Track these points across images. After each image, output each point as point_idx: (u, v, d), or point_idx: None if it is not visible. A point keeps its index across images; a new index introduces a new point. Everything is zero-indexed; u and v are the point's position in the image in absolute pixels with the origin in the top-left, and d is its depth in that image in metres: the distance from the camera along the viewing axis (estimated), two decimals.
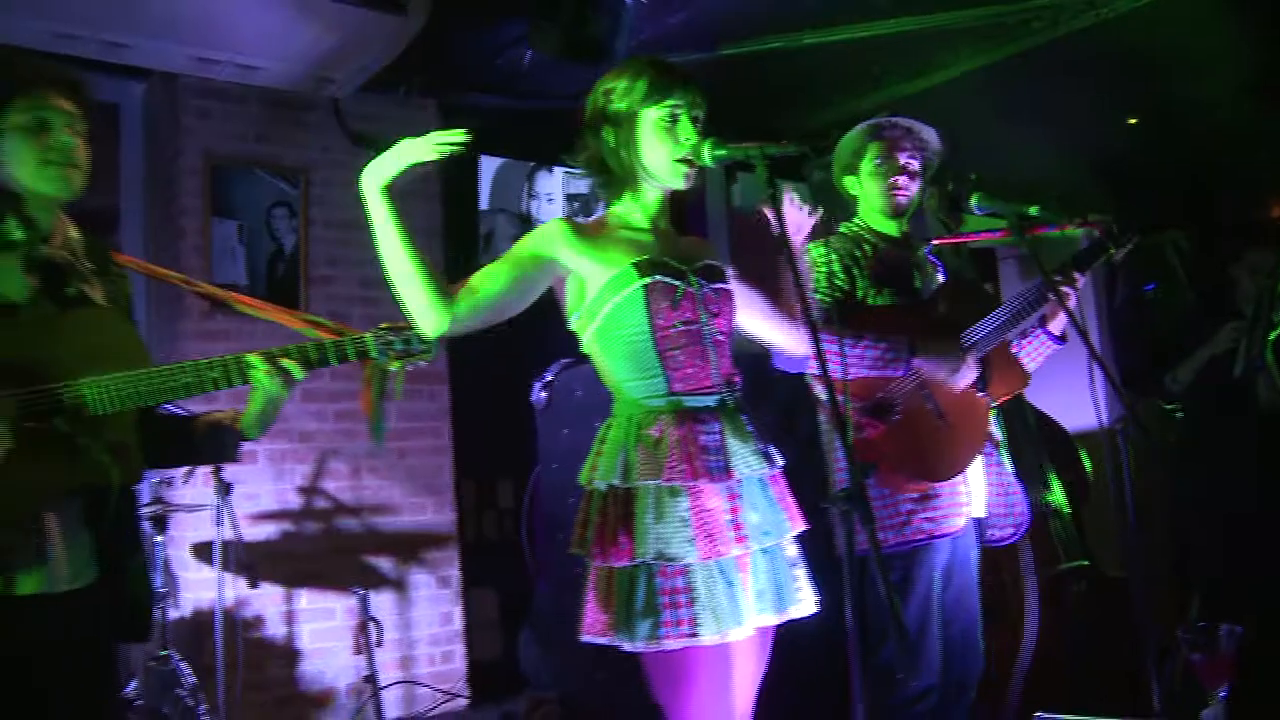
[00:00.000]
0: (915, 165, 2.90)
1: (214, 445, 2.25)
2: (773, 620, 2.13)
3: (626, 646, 2.00)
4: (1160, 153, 5.65)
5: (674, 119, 2.15)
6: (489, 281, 2.09)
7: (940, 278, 2.99)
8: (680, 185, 2.19)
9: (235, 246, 4.58)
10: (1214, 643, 1.96)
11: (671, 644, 1.98)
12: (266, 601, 4.56)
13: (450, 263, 5.12)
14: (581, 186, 5.63)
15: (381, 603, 4.72)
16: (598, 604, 2.06)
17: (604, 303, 2.12)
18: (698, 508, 2.04)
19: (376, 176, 2.06)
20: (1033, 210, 2.71)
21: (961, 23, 4.62)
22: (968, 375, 2.76)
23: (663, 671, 2.04)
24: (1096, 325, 5.65)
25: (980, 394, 2.82)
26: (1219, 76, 5.01)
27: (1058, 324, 2.93)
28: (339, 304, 4.81)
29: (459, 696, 4.96)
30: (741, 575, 2.07)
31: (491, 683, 5.03)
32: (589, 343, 2.19)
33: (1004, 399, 2.91)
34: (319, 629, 4.68)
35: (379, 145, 2.25)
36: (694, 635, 1.98)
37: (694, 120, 2.16)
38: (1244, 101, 5.13)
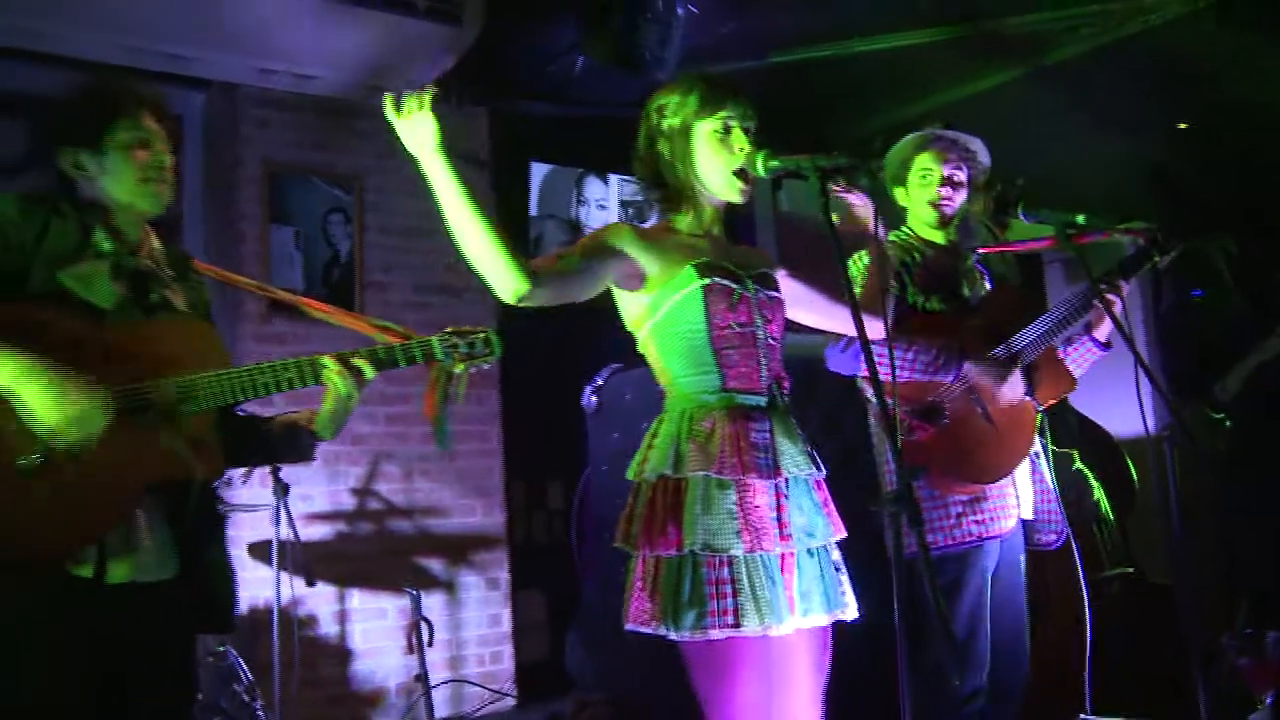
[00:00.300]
0: (961, 176, 2.93)
1: (290, 445, 2.34)
2: (820, 622, 2.18)
3: (672, 636, 2.04)
4: (1209, 158, 5.61)
5: (727, 130, 2.20)
6: (564, 262, 2.15)
7: (987, 285, 3.02)
8: (736, 199, 2.24)
9: (292, 252, 4.70)
10: (1262, 649, 1.98)
11: (716, 634, 2.01)
12: (320, 601, 4.66)
13: None
14: (635, 193, 5.69)
15: (431, 604, 4.80)
16: (643, 594, 2.10)
17: (664, 301, 2.18)
18: (745, 502, 2.09)
19: (423, 143, 2.02)
20: (1079, 219, 2.73)
21: (1010, 29, 4.65)
22: (1016, 387, 2.79)
23: (705, 662, 2.08)
24: (1144, 331, 5.63)
25: (1027, 398, 2.84)
26: (1268, 81, 4.99)
27: (1103, 330, 2.95)
28: (393, 309, 4.90)
29: (507, 696, 5.03)
30: (785, 575, 2.12)
31: (539, 683, 5.10)
32: (645, 339, 2.24)
33: (1050, 403, 2.93)
34: (370, 629, 4.78)
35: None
36: (737, 626, 2.02)
37: (746, 131, 2.21)
38: None
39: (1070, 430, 3.78)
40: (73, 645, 1.95)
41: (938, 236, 2.97)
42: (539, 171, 5.52)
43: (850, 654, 2.39)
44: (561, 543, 5.58)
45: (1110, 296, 2.72)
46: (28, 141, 4.54)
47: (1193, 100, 5.19)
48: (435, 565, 4.96)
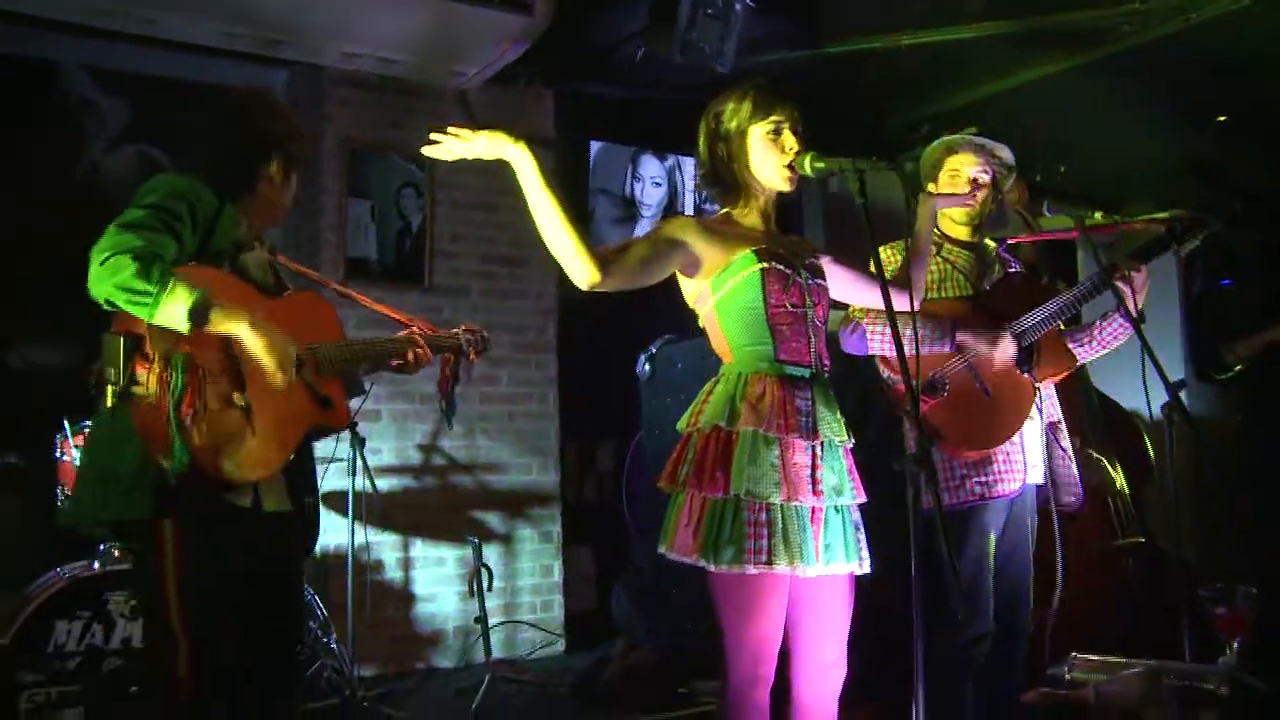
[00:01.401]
0: (986, 178, 3.16)
1: (351, 383, 2.82)
2: (842, 571, 2.46)
3: (711, 568, 2.33)
4: (1247, 152, 5.77)
5: (778, 132, 2.49)
6: (633, 250, 2.42)
7: (1012, 269, 3.25)
8: (787, 188, 2.53)
9: (368, 224, 5.04)
10: (1233, 600, 2.24)
11: (751, 569, 2.31)
12: (385, 548, 5.02)
13: None
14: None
15: (488, 554, 5.12)
16: (688, 529, 2.38)
17: (726, 280, 2.46)
18: (785, 458, 2.37)
19: (499, 150, 2.33)
20: (1097, 215, 2.97)
21: (1053, 27, 4.84)
22: (1008, 349, 3.02)
23: (735, 594, 2.37)
24: (1182, 313, 5.76)
25: (1025, 374, 3.07)
26: None
27: (1132, 306, 3.15)
28: (461, 277, 5.25)
29: (557, 640, 5.38)
30: (814, 526, 2.41)
31: (585, 632, 5.46)
32: (708, 314, 2.53)
33: (1051, 380, 3.15)
34: (431, 574, 5.14)
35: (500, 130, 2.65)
36: (770, 564, 2.32)
37: (795, 132, 2.50)
38: None
39: (1092, 408, 4.01)
40: (234, 565, 2.31)
41: (962, 232, 3.21)
42: (594, 149, 5.83)
43: (878, 607, 2.67)
44: (610, 503, 5.92)
45: (1120, 284, 2.94)
46: (130, 116, 4.94)
47: (1232, 97, 5.35)
48: (493, 518, 5.31)
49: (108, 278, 2.12)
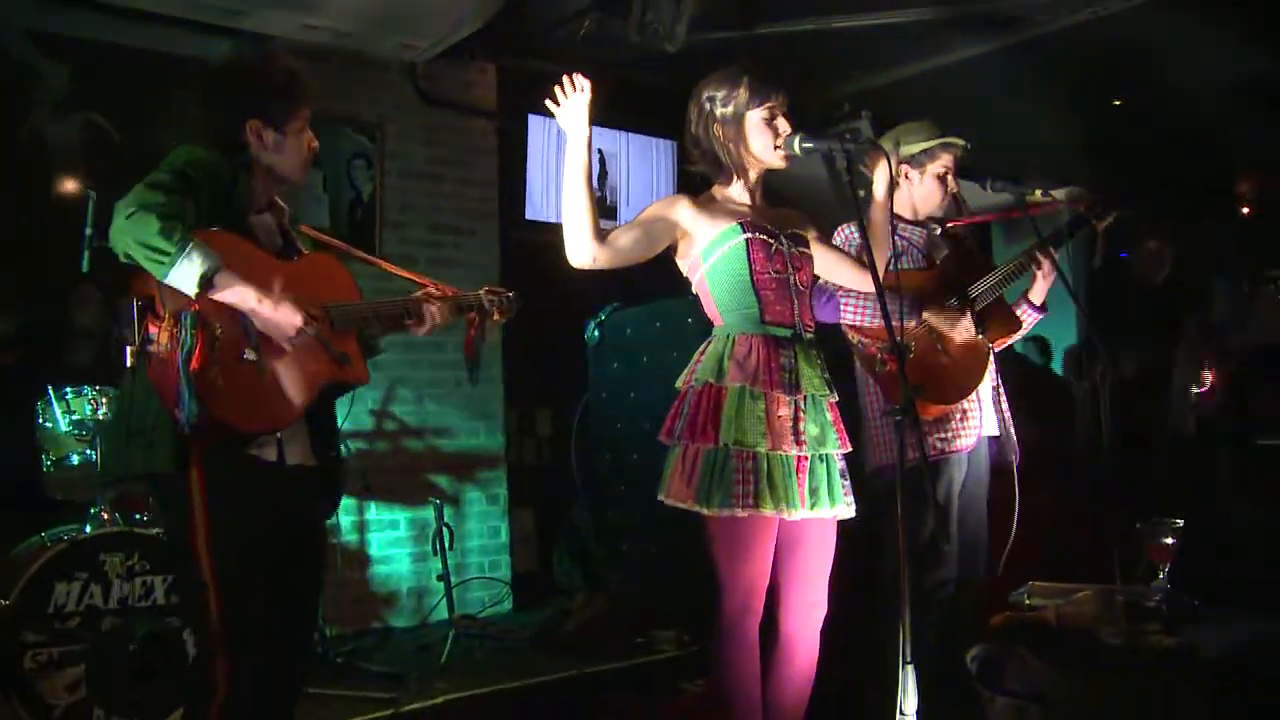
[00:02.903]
0: (951, 180, 3.46)
1: (366, 347, 2.78)
2: (826, 515, 2.73)
3: (705, 511, 2.58)
4: (1142, 134, 6.26)
5: (772, 116, 2.73)
6: (625, 234, 2.66)
7: (947, 249, 3.57)
8: (782, 165, 2.78)
9: (320, 194, 5.12)
10: (1166, 532, 2.61)
11: (740, 512, 2.57)
12: (341, 511, 5.13)
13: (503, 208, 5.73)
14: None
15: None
16: (682, 478, 2.63)
17: (714, 250, 2.70)
18: (770, 411, 2.62)
19: (579, 126, 2.53)
20: (1036, 193, 3.32)
21: (973, 13, 5.20)
22: (967, 327, 3.35)
23: (726, 536, 2.62)
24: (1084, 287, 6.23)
25: (979, 337, 3.41)
26: (1198, 68, 5.62)
27: (1038, 295, 3.52)
28: (410, 247, 5.36)
29: (505, 596, 5.61)
30: (799, 474, 2.67)
31: (530, 590, 5.69)
32: (699, 282, 2.76)
33: (1000, 342, 3.49)
34: (385, 537, 5.28)
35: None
36: (757, 507, 2.57)
37: (785, 116, 2.75)
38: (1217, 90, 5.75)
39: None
40: (261, 518, 2.39)
41: (911, 215, 3.52)
42: (536, 122, 5.97)
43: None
44: (550, 466, 6.15)
45: (1041, 258, 3.30)
46: (72, 82, 4.88)
47: (1130, 83, 5.81)
48: (442, 481, 5.47)
49: (131, 231, 2.17)
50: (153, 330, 2.29)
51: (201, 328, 2.26)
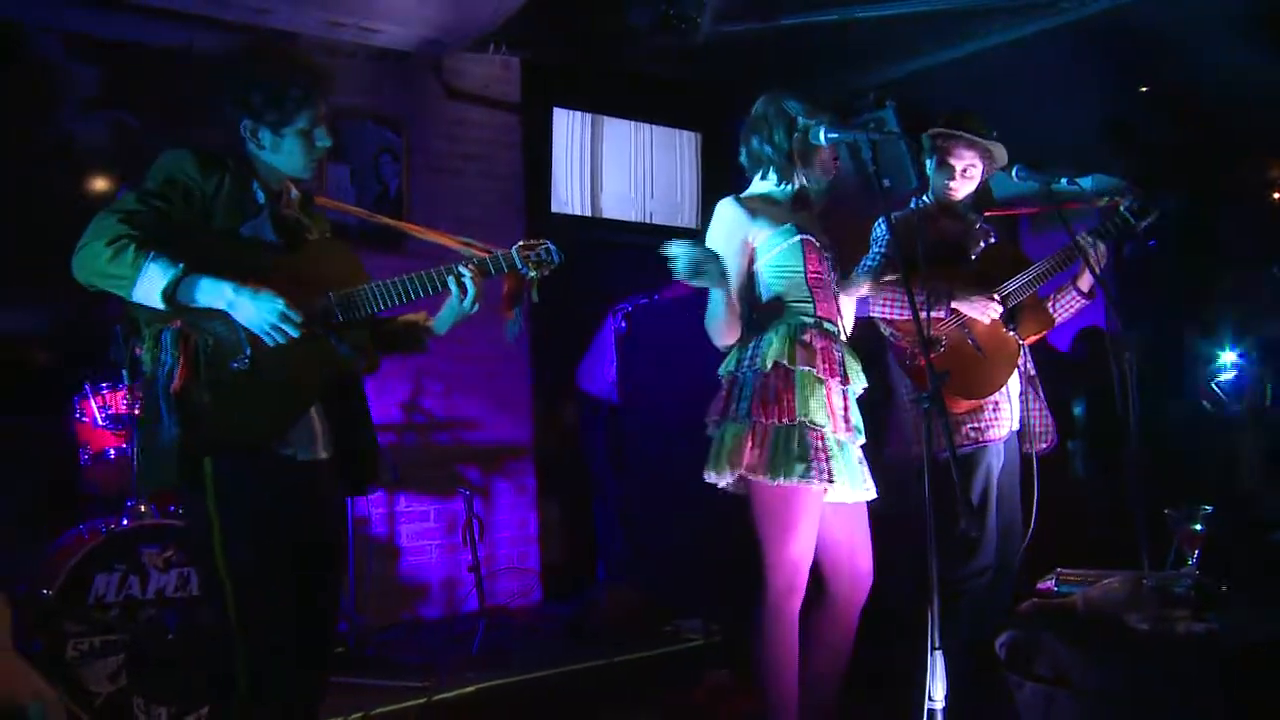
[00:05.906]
0: (975, 172, 3.45)
1: (410, 339, 2.78)
2: (865, 498, 2.87)
3: (776, 482, 2.68)
4: (1170, 121, 6.20)
5: (835, 154, 2.92)
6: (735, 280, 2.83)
7: (992, 240, 3.57)
8: (827, 179, 2.93)
9: (347, 188, 5.17)
10: (1195, 519, 2.62)
11: (816, 485, 2.68)
12: (371, 503, 5.20)
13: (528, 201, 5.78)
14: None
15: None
16: (754, 450, 2.73)
17: (772, 248, 2.85)
18: (829, 397, 2.78)
19: (723, 283, 2.74)
20: (1063, 182, 3.31)
21: (997, 2, 5.17)
22: (993, 310, 3.35)
23: (783, 508, 2.73)
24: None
25: (1010, 332, 3.42)
26: (1229, 55, 5.56)
27: (1085, 282, 3.51)
28: None
29: (533, 587, 5.65)
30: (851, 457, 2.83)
31: (561, 580, 5.73)
32: (755, 274, 2.89)
33: (1032, 338, 3.50)
34: (415, 529, 5.34)
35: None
36: (832, 482, 2.71)
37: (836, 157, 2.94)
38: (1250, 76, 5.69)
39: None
40: (273, 516, 2.40)
41: (950, 205, 3.52)
42: (560, 115, 5.99)
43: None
44: (575, 456, 6.18)
45: (1087, 249, 3.29)
46: (100, 82, 4.94)
47: (1159, 70, 5.76)
48: (471, 473, 5.52)
49: (85, 265, 2.23)
50: (138, 352, 2.32)
51: (184, 345, 2.28)
